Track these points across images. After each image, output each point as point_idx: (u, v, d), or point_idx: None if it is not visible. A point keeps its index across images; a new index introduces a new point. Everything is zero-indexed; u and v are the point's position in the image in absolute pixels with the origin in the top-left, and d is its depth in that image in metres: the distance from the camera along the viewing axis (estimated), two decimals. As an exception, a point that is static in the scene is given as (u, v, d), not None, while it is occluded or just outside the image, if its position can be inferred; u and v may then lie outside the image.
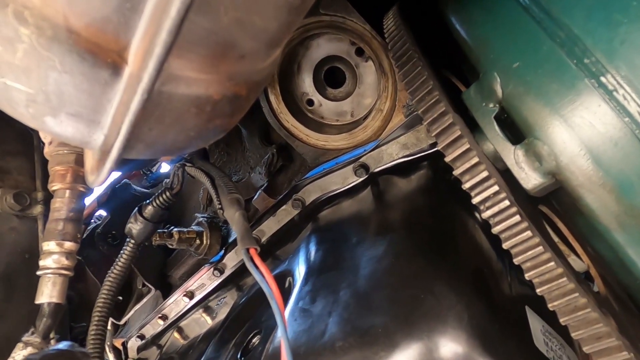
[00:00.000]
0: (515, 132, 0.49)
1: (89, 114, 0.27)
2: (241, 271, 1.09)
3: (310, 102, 0.95)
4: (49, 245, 0.52)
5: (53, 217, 0.53)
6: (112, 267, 0.68)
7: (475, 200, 0.46)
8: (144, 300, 1.34)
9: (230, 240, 1.11)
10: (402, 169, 0.84)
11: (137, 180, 1.52)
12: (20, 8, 0.22)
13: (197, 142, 0.33)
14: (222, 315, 1.16)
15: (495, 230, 0.45)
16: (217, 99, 0.30)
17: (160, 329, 1.28)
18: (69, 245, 0.53)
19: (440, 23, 0.66)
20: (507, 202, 0.44)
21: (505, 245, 0.45)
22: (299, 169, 1.04)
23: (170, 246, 1.04)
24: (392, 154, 0.84)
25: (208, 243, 1.11)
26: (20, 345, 0.49)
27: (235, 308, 0.95)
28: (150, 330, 1.31)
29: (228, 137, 1.18)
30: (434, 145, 0.81)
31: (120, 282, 0.68)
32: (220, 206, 0.56)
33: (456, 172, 0.48)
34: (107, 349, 1.32)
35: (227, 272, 1.10)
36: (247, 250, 0.45)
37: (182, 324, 1.28)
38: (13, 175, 0.83)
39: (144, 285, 1.37)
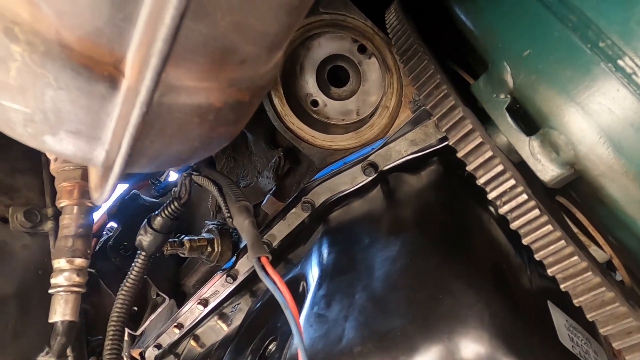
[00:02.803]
0: (529, 122, 0.47)
1: (89, 130, 0.26)
2: (254, 277, 1.09)
3: (315, 103, 0.94)
4: (59, 263, 0.51)
5: (62, 234, 0.53)
6: (125, 280, 0.68)
7: (491, 196, 0.45)
8: (159, 309, 1.35)
9: (242, 246, 1.11)
10: (412, 166, 0.82)
11: (146, 190, 1.53)
12: (10, 25, 0.22)
13: (202, 151, 0.32)
14: (237, 321, 1.16)
15: (513, 225, 0.43)
16: (219, 106, 0.29)
17: (176, 337, 1.28)
18: (79, 261, 0.52)
19: (443, 13, 0.64)
20: (524, 196, 0.42)
21: (525, 241, 0.43)
22: (307, 171, 1.03)
23: (182, 255, 1.04)
24: (401, 150, 0.82)
25: (219, 250, 1.10)
26: (35, 365, 0.49)
27: (250, 314, 0.94)
28: (166, 339, 1.31)
29: (234, 142, 1.17)
30: (443, 140, 0.79)
31: (134, 295, 0.68)
32: (229, 214, 0.55)
33: (470, 168, 0.46)
34: (124, 358, 1.32)
35: (240, 279, 1.10)
36: (259, 259, 0.44)
37: (198, 331, 1.27)
38: (23, 193, 0.83)
39: (158, 294, 1.37)
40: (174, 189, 1.50)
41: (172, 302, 1.31)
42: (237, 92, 0.30)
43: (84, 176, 0.55)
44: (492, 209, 0.69)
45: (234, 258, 1.09)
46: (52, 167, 0.55)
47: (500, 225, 0.66)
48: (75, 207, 0.54)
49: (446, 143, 0.78)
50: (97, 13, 0.22)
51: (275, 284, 0.41)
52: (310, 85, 0.92)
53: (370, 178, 0.86)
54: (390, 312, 0.53)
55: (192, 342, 1.31)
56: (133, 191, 1.36)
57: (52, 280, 0.51)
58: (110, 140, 0.26)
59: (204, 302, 1.19)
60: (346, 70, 0.91)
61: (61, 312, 0.49)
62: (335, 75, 0.92)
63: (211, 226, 1.12)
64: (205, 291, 1.17)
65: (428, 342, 0.46)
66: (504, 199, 0.44)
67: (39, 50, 0.23)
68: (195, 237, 1.07)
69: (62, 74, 0.23)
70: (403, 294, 0.54)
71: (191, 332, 1.27)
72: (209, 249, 1.09)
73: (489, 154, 0.44)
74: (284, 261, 1.05)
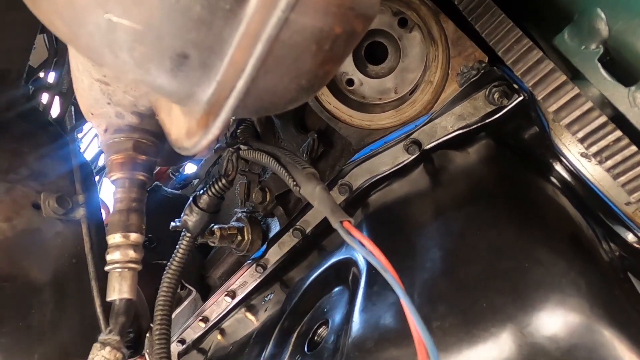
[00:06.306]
0: (624, 73, 0.44)
1: (202, 55, 0.23)
2: (284, 266, 1.05)
3: (351, 82, 0.90)
4: (114, 239, 0.48)
5: (116, 208, 0.49)
6: (170, 263, 0.65)
7: (590, 151, 0.41)
8: (184, 303, 1.31)
9: (271, 235, 1.07)
10: (458, 142, 0.79)
11: (164, 182, 1.50)
12: None
13: (304, 93, 0.29)
14: (267, 313, 1.12)
15: (619, 181, 0.40)
16: (337, 33, 0.26)
17: (201, 331, 1.25)
18: (134, 236, 0.49)
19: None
20: (633, 148, 0.39)
21: (634, 197, 0.40)
22: (341, 153, 0.99)
23: (212, 244, 1.01)
24: (447, 126, 0.79)
25: (250, 239, 1.07)
26: (97, 345, 0.45)
27: (290, 302, 0.90)
28: (191, 334, 1.28)
29: (260, 129, 1.14)
30: (492, 113, 0.76)
31: (179, 278, 0.64)
32: (295, 184, 0.52)
33: (563, 123, 0.43)
34: (146, 356, 1.29)
35: (270, 268, 1.06)
36: (341, 223, 0.41)
37: (225, 325, 1.24)
38: (53, 179, 0.79)
39: (182, 288, 1.33)
40: (193, 180, 1.46)
41: (197, 296, 1.27)
42: (355, 19, 0.26)
43: (136, 147, 0.51)
44: (554, 179, 0.66)
45: (264, 247, 1.05)
46: (102, 139, 0.52)
47: (567, 196, 0.63)
48: (127, 181, 0.51)
49: (497, 116, 0.75)
50: None
51: (366, 248, 0.38)
52: (346, 63, 0.88)
53: (413, 157, 0.82)
54: (468, 286, 0.50)
55: (219, 336, 1.28)
56: (155, 182, 1.33)
57: (108, 257, 0.47)
58: (226, 67, 0.23)
59: (232, 294, 1.15)
60: (384, 47, 0.87)
61: (119, 289, 0.45)
62: (372, 52, 0.88)
63: (240, 214, 1.09)
64: (233, 282, 1.13)
65: (522, 312, 0.43)
66: (605, 154, 0.41)
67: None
68: (225, 226, 1.03)
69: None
70: (480, 267, 0.51)
71: (217, 326, 1.24)
72: (239, 237, 1.05)
73: (588, 105, 0.41)
74: (317, 248, 1.02)
